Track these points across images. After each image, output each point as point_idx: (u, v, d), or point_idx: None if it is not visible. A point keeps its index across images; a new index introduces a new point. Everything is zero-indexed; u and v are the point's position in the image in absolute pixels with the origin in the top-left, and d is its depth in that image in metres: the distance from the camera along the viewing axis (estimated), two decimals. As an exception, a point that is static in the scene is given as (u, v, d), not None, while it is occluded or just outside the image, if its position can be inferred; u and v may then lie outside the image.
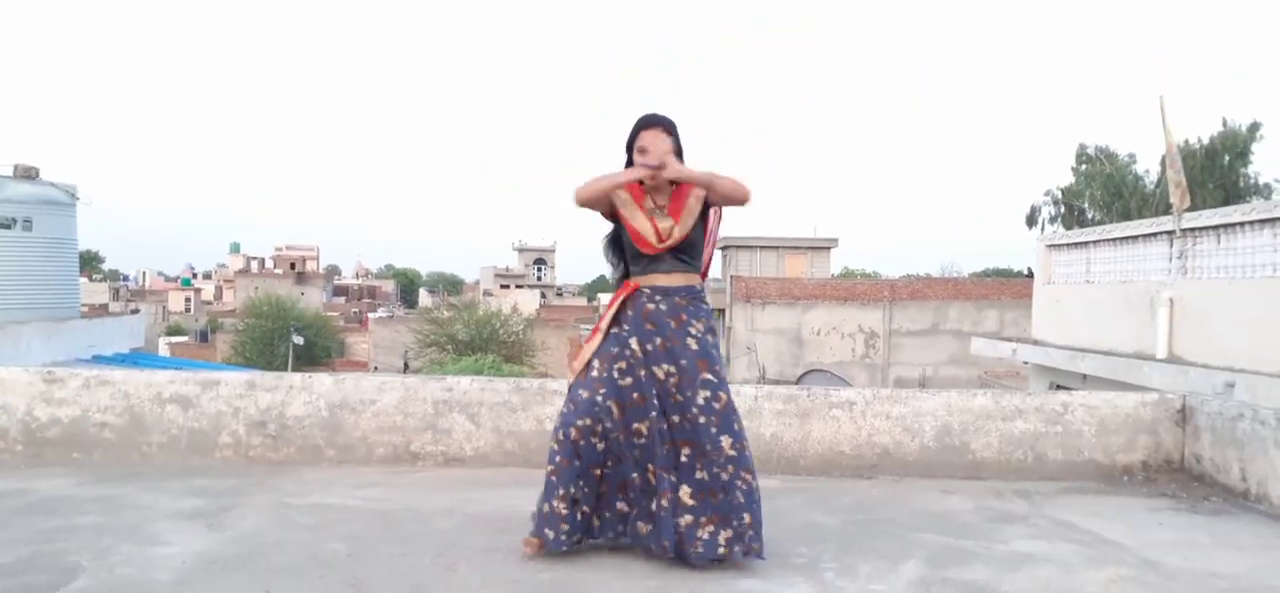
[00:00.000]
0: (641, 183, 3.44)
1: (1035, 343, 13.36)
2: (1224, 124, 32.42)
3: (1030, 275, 18.78)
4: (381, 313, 62.42)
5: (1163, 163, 11.23)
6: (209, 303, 78.80)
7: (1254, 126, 32.09)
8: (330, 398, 4.96)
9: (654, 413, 3.28)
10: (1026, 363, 13.77)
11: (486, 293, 65.45)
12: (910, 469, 4.92)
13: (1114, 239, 11.98)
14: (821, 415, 4.97)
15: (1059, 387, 11.49)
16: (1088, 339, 11.75)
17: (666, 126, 3.41)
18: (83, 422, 4.92)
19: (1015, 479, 4.86)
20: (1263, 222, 9.03)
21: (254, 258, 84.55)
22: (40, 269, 13.20)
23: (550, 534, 3.27)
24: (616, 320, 3.44)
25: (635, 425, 3.30)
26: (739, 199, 3.44)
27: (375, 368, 41.53)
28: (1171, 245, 10.35)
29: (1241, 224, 9.32)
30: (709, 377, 3.30)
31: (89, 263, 71.81)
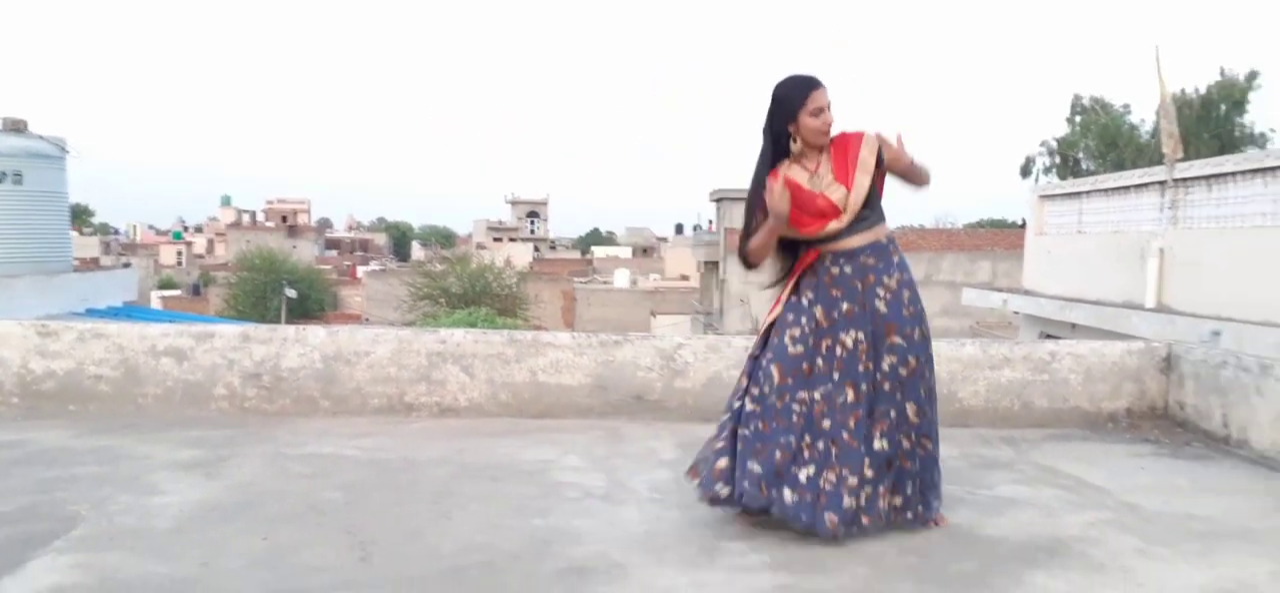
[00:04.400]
0: (787, 158, 3.22)
1: (1026, 293, 13.41)
2: (1222, 73, 32.32)
3: (1023, 226, 18.81)
4: (374, 266, 62.31)
5: (1157, 113, 11.23)
6: (201, 257, 78.74)
7: (1252, 76, 31.96)
8: (324, 350, 5.00)
9: (829, 385, 3.12)
10: (1017, 313, 13.85)
11: (480, 246, 65.38)
12: (898, 418, 4.98)
13: (1106, 189, 12.01)
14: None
15: (1048, 336, 11.58)
16: (1078, 289, 11.82)
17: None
18: (78, 374, 4.97)
19: (1002, 427, 4.93)
20: (1254, 171, 9.07)
21: (245, 211, 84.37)
22: (31, 223, 13.19)
23: (703, 476, 3.19)
24: (796, 289, 3.25)
25: (800, 394, 3.11)
26: (919, 180, 3.23)
27: (367, 320, 41.58)
28: (1163, 195, 10.38)
29: (1233, 174, 9.36)
30: (897, 341, 3.14)
31: (79, 217, 71.47)
